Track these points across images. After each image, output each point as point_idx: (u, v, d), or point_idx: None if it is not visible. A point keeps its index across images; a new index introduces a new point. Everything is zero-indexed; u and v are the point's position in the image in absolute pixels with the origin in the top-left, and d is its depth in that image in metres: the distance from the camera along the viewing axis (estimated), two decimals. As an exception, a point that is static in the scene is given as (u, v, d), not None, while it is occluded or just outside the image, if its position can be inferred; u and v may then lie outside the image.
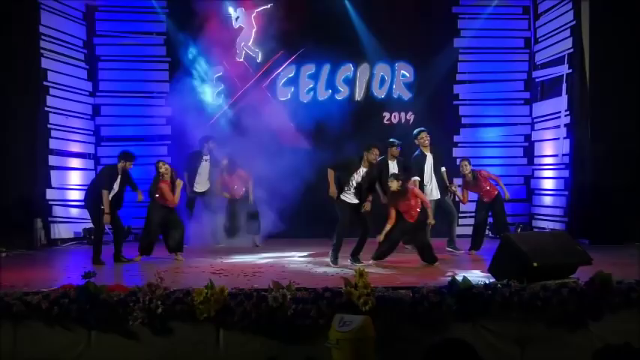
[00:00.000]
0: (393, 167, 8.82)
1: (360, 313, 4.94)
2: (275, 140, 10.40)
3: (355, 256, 7.65)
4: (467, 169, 8.59)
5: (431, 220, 7.73)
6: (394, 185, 7.64)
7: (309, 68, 11.12)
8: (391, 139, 9.05)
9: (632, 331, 5.08)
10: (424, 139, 8.74)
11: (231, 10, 10.99)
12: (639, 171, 9.09)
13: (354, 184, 7.65)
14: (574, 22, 9.83)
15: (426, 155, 8.71)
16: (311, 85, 11.16)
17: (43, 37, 9.90)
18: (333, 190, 7.67)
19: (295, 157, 10.11)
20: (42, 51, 9.87)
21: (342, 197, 7.68)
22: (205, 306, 5.04)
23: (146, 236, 8.26)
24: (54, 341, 5.17)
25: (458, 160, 10.89)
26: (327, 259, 7.70)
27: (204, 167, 9.81)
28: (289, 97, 11.16)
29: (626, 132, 9.28)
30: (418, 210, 7.61)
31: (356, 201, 7.68)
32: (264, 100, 11.04)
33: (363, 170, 7.68)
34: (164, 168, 8.21)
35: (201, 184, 9.89)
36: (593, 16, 9.51)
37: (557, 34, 10.34)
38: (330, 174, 7.71)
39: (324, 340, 4.79)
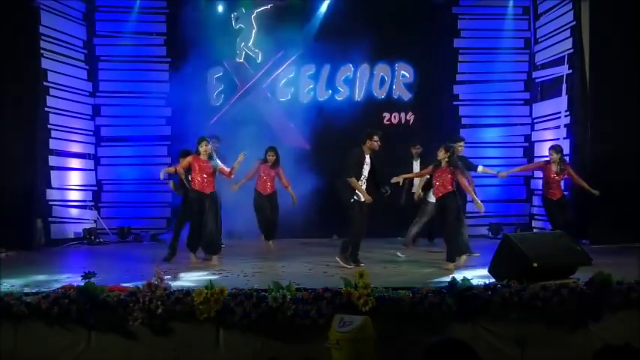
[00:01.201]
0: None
1: (360, 313, 4.95)
2: (275, 141, 10.37)
3: (354, 257, 7.62)
4: (558, 157, 8.42)
5: (479, 205, 7.38)
6: (441, 154, 7.43)
7: (309, 68, 11.11)
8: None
9: (632, 331, 5.09)
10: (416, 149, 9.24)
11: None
12: (639, 171, 9.07)
13: (364, 180, 7.53)
14: (574, 23, 9.83)
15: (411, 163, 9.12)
16: (311, 86, 11.16)
17: (43, 37, 9.89)
18: (367, 196, 7.46)
19: (295, 157, 10.12)
20: (42, 51, 9.85)
21: (355, 197, 7.49)
22: (205, 306, 5.04)
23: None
24: (54, 341, 5.17)
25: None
26: (327, 260, 7.66)
27: None
28: (289, 97, 11.16)
29: (626, 132, 9.27)
30: (444, 189, 7.37)
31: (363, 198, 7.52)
32: (264, 100, 11.04)
33: (368, 158, 7.54)
34: (204, 148, 7.83)
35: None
36: (593, 16, 9.50)
37: (557, 34, 10.33)
38: (354, 182, 7.41)
39: (324, 340, 4.79)
